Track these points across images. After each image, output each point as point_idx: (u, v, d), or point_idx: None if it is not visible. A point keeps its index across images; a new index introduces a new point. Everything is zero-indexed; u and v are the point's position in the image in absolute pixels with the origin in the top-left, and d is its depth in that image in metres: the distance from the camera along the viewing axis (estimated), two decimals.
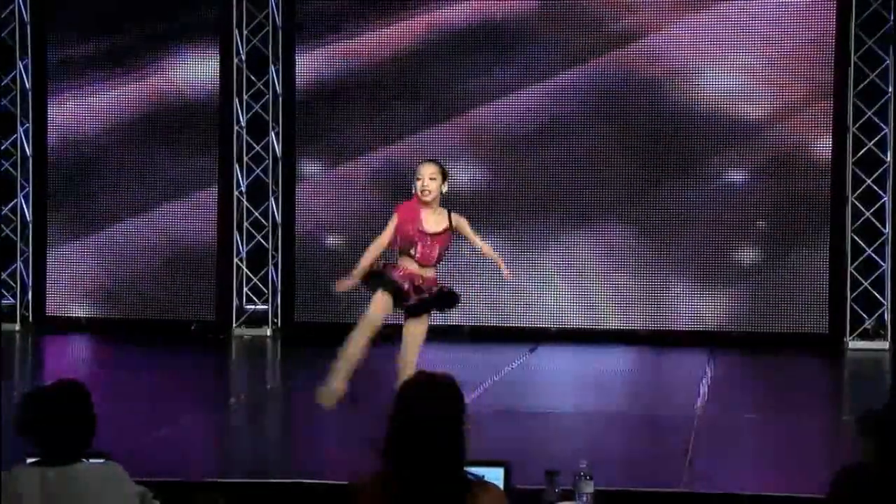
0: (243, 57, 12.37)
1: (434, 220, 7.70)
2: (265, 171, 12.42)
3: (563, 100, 12.00)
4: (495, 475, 4.16)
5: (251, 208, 12.45)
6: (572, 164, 12.01)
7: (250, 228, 12.47)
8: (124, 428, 7.86)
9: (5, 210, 12.70)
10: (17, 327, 12.64)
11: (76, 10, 12.59)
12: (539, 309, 12.11)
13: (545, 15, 12.00)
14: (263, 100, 12.38)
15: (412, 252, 7.67)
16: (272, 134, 12.40)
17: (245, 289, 12.50)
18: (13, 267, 12.70)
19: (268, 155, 12.42)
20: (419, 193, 7.64)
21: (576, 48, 11.98)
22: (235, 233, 12.44)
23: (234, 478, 6.87)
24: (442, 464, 3.40)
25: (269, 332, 12.44)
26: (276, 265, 12.49)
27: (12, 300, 12.71)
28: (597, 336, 11.89)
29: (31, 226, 12.68)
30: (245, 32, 12.36)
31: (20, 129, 12.63)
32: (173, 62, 12.50)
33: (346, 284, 7.88)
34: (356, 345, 7.75)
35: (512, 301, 12.14)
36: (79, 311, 12.66)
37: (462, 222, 7.76)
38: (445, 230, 7.70)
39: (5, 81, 12.61)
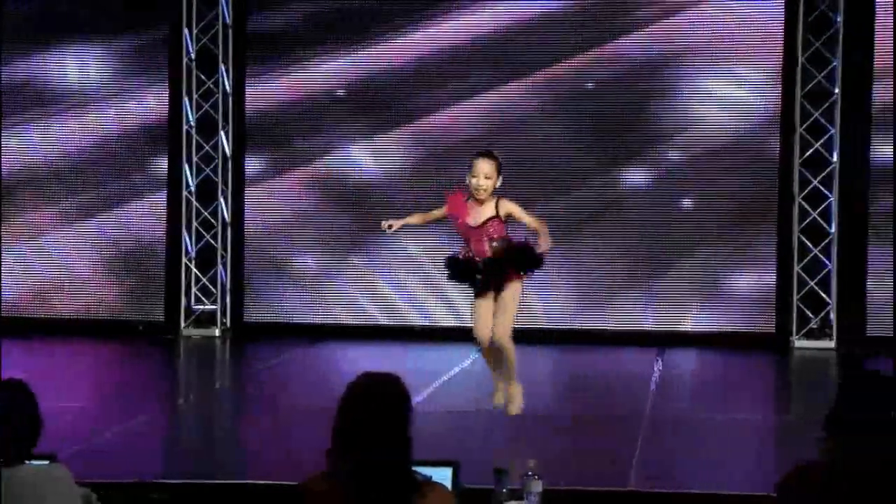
0: (193, 56, 12.31)
1: (478, 213, 7.72)
2: (214, 170, 12.37)
3: (514, 105, 11.99)
4: (443, 475, 4.17)
5: (200, 208, 12.39)
6: (519, 162, 12.03)
7: (199, 228, 12.40)
8: (72, 429, 7.80)
9: None
10: None
11: (28, 21, 12.45)
12: None
13: (499, 29, 12.01)
14: (213, 99, 12.32)
15: (469, 249, 7.79)
16: (222, 133, 12.35)
17: (194, 289, 12.44)
18: None
19: (217, 154, 12.36)
20: (473, 190, 7.70)
21: (525, 58, 11.99)
22: (184, 232, 12.38)
23: (181, 478, 6.84)
24: (388, 463, 3.40)
25: (217, 333, 12.38)
26: (225, 265, 12.44)
27: None
28: (545, 336, 11.90)
29: None
30: (195, 31, 12.30)
31: None
32: (122, 62, 12.41)
33: (393, 224, 8.02)
34: (489, 363, 8.10)
35: (463, 300, 12.14)
36: (27, 312, 12.54)
37: (511, 208, 7.74)
38: (488, 220, 7.70)
39: None
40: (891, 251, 11.53)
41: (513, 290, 7.82)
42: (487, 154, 7.79)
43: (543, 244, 7.72)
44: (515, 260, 7.81)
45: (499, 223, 7.73)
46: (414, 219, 8.11)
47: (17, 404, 3.98)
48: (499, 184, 7.75)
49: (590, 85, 11.90)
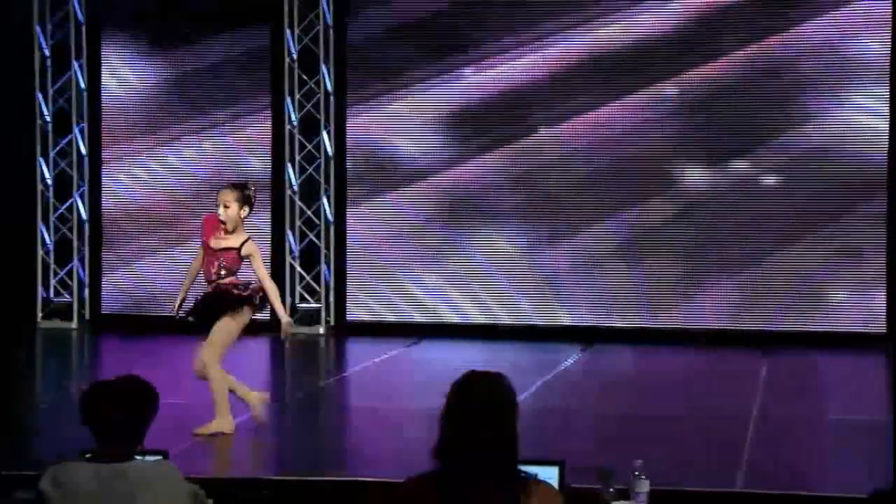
0: (294, 56, 12.41)
1: (223, 239, 7.96)
2: (317, 169, 12.46)
3: (619, 118, 11.96)
4: (549, 474, 4.14)
5: (304, 207, 12.49)
6: (625, 165, 11.97)
7: (303, 227, 12.50)
8: (180, 426, 7.89)
9: (62, 209, 12.83)
10: (75, 325, 12.78)
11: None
12: (592, 307, 12.04)
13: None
14: (315, 99, 12.41)
15: (203, 269, 8.05)
16: (324, 133, 12.43)
17: (298, 287, 12.53)
18: (70, 265, 12.81)
19: (319, 154, 12.45)
20: (220, 220, 7.95)
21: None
22: (288, 231, 12.48)
23: (285, 475, 6.88)
24: (496, 462, 3.38)
25: (321, 331, 12.46)
26: (328, 264, 12.51)
27: (68, 298, 12.84)
28: (649, 335, 11.81)
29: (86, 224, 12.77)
30: (297, 32, 12.40)
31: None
32: (223, 63, 12.56)
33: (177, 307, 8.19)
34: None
35: (566, 300, 12.10)
36: (139, 312, 12.75)
37: (251, 251, 7.96)
38: (229, 249, 7.93)
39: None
40: None
41: (220, 325, 7.95)
42: (231, 185, 8.12)
43: (278, 310, 8.08)
44: (215, 307, 7.95)
45: (233, 257, 7.94)
46: (187, 280, 8.18)
47: (149, 406, 4.06)
48: (243, 214, 7.96)
49: (674, 90, 11.82)
